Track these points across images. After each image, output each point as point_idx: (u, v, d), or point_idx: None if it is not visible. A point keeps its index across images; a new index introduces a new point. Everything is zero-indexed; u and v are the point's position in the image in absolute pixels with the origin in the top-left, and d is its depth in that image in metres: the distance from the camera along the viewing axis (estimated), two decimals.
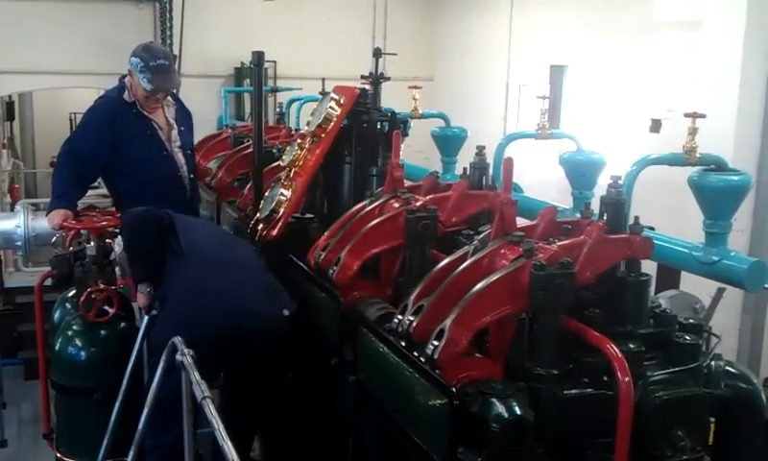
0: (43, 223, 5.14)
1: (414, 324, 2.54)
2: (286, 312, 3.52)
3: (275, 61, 11.39)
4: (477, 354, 2.53)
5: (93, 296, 4.05)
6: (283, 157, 4.36)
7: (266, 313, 3.51)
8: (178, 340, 2.88)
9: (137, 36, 9.75)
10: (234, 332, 3.42)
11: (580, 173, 4.81)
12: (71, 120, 15.46)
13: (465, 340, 2.41)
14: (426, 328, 2.49)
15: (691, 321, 2.71)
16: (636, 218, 2.65)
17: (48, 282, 4.66)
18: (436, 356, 2.38)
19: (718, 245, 3.83)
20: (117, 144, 4.65)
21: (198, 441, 2.91)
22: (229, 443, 2.24)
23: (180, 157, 4.89)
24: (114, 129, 4.67)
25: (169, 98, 4.90)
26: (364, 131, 4.16)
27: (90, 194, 5.01)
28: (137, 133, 4.69)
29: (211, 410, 2.43)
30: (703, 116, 4.05)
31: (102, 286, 4.08)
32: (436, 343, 2.40)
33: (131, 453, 3.40)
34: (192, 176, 5.00)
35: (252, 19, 11.14)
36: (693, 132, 4.03)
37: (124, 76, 4.80)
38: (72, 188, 4.64)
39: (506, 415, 2.23)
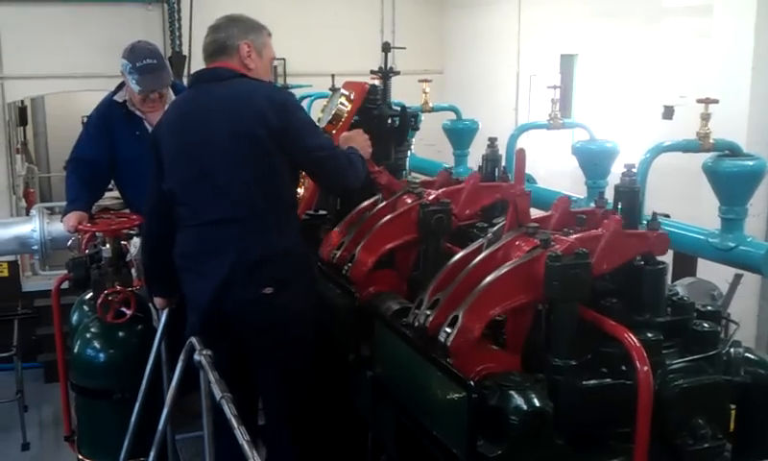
0: (59, 226, 5.17)
1: (430, 318, 2.54)
2: (268, 290, 3.22)
3: (284, 59, 11.39)
4: (494, 346, 2.53)
5: (110, 298, 4.07)
6: None
7: (243, 294, 3.23)
8: (195, 340, 2.90)
9: (146, 38, 9.77)
10: (218, 317, 3.27)
11: (593, 162, 4.79)
12: (83, 123, 15.48)
13: (478, 328, 2.41)
14: (442, 322, 2.48)
15: (709, 308, 2.69)
16: (654, 214, 2.63)
17: (65, 285, 4.69)
18: (449, 343, 2.38)
19: (734, 231, 3.82)
20: (113, 145, 4.64)
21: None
22: (250, 443, 2.24)
23: None
24: (109, 130, 4.66)
25: (172, 95, 4.84)
26: (375, 126, 4.16)
27: (105, 196, 5.02)
28: (127, 133, 4.62)
29: (230, 409, 2.44)
30: (716, 102, 4.03)
31: (118, 288, 4.10)
32: (449, 330, 2.40)
33: (151, 453, 3.42)
34: None
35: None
36: (706, 117, 4.01)
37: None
38: (84, 192, 4.64)
39: (525, 407, 2.23)
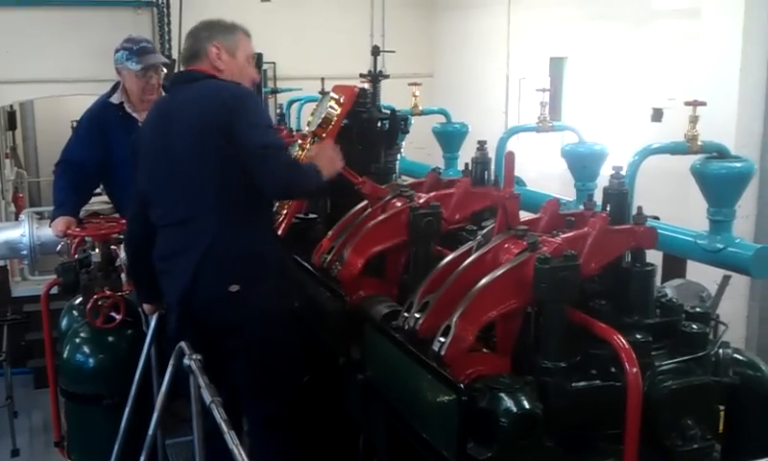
0: (48, 231, 5.15)
1: (420, 321, 2.54)
2: (234, 288, 3.21)
3: (274, 63, 11.39)
4: (484, 349, 2.54)
5: (99, 303, 4.06)
6: None
7: (209, 292, 3.25)
8: (185, 345, 2.89)
9: None
10: (189, 318, 3.30)
11: (582, 165, 4.81)
12: (73, 128, 15.45)
13: (471, 336, 2.41)
14: (432, 325, 2.49)
15: (698, 309, 2.70)
16: (640, 208, 2.64)
17: (54, 290, 4.67)
18: (443, 353, 2.38)
19: (723, 232, 3.84)
20: (107, 148, 4.63)
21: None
22: (239, 446, 2.24)
23: None
24: (102, 132, 4.65)
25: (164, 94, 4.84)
26: (365, 129, 4.17)
27: (94, 201, 5.01)
28: (122, 135, 4.61)
29: (220, 413, 2.43)
30: (703, 104, 4.05)
31: (108, 293, 4.09)
32: (443, 339, 2.40)
33: (141, 458, 3.41)
34: None
35: (250, 21, 10.98)
36: (694, 120, 4.03)
37: (117, 82, 4.77)
38: (72, 196, 4.62)
39: (514, 409, 2.23)
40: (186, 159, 3.28)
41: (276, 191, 3.44)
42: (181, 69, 3.62)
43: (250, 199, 3.30)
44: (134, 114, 4.62)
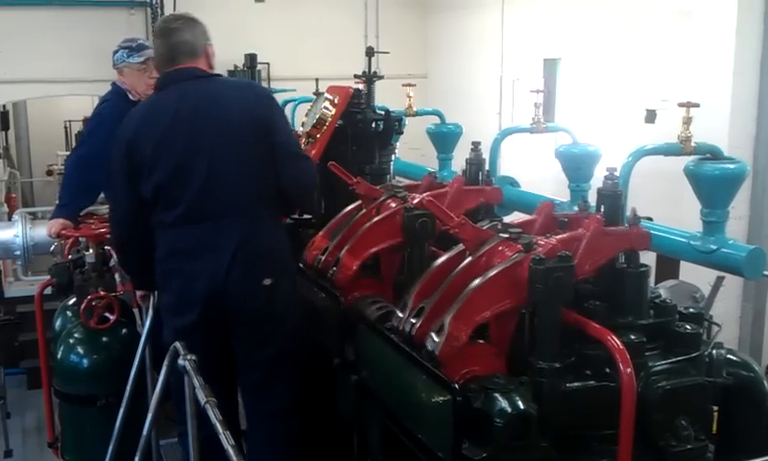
0: (41, 232, 5.13)
1: (416, 326, 2.54)
2: (267, 282, 3.27)
3: (268, 63, 11.37)
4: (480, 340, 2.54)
5: (93, 303, 4.06)
6: None
7: (242, 286, 3.24)
8: (179, 345, 2.89)
9: None
10: (215, 312, 3.25)
11: (576, 166, 4.82)
12: (66, 128, 15.46)
13: (465, 335, 2.42)
14: (428, 331, 2.49)
15: (692, 310, 2.71)
16: (634, 210, 2.65)
17: (48, 291, 4.66)
18: (436, 352, 2.39)
19: (716, 233, 3.85)
20: None
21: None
22: (235, 448, 2.24)
23: None
24: None
25: None
26: (359, 130, 4.17)
27: None
28: None
29: (215, 414, 2.43)
30: (697, 105, 4.06)
31: (102, 293, 4.09)
32: (436, 338, 2.40)
33: (135, 459, 3.41)
34: None
35: (244, 22, 11.13)
36: (687, 121, 4.04)
37: (113, 83, 4.74)
38: (78, 197, 4.52)
39: (509, 410, 2.24)
40: (228, 156, 3.27)
41: (300, 191, 3.53)
42: (165, 67, 3.40)
43: (274, 192, 3.37)
44: None
